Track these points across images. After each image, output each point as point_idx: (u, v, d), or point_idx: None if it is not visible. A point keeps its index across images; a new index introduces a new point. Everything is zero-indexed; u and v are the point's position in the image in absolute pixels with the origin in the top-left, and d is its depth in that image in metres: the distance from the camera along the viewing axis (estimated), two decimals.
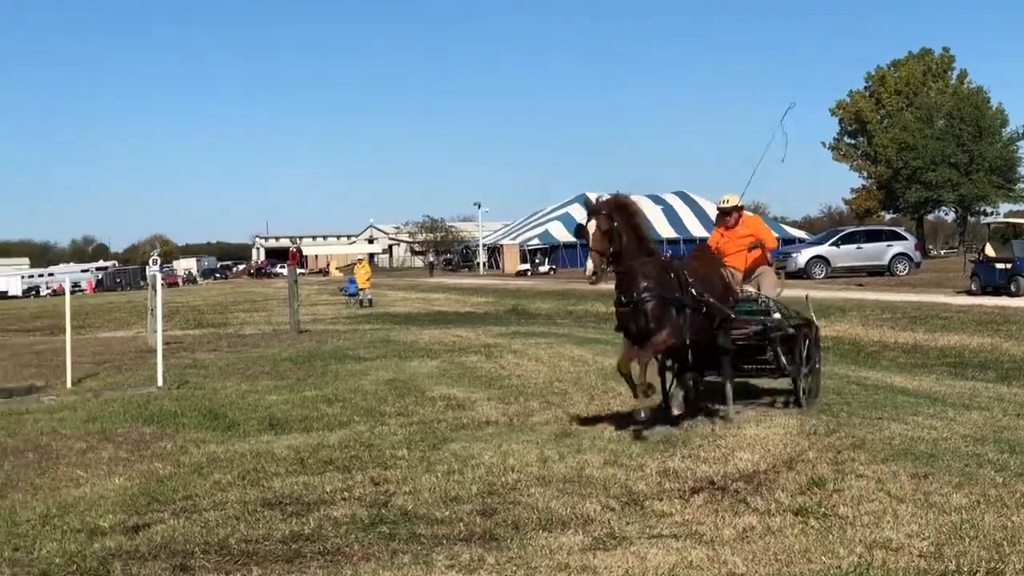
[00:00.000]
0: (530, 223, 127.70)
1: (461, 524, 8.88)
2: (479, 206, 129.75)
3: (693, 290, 12.70)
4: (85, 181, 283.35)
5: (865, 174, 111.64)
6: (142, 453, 12.49)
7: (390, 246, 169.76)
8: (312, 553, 8.17)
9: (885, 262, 55.77)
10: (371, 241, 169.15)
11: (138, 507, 9.80)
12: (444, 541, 8.38)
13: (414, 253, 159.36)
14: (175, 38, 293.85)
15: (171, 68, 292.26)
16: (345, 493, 10.08)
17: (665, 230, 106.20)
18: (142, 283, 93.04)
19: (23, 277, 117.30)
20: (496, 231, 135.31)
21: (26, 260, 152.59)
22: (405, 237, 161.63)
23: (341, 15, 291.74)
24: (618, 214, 12.32)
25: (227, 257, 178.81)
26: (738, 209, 15.02)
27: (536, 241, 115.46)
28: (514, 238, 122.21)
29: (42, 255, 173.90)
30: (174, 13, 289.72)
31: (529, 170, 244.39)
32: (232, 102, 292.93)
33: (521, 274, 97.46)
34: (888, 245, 56.97)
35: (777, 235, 18.65)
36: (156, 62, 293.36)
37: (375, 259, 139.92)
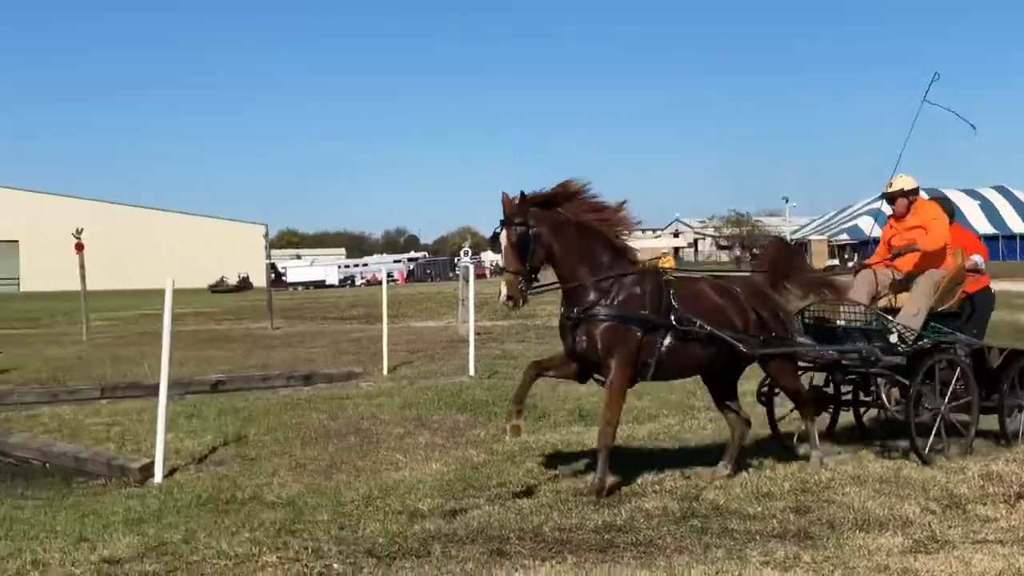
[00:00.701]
0: (839, 219, 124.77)
1: (774, 521, 8.77)
2: (787, 200, 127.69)
3: (674, 316, 10.03)
4: (398, 174, 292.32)
5: None
6: (457, 440, 12.82)
7: (695, 240, 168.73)
8: (625, 544, 8.22)
9: None
10: (676, 235, 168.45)
11: (455, 492, 10.08)
12: (757, 537, 8.30)
13: (719, 248, 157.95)
14: (488, 35, 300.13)
15: (477, 65, 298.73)
16: (656, 486, 10.13)
17: (982, 225, 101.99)
18: (451, 274, 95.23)
19: (340, 267, 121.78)
20: (803, 226, 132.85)
21: (343, 250, 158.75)
22: (711, 231, 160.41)
23: (653, 9, 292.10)
24: (541, 221, 9.69)
25: None
26: (905, 194, 12.01)
27: (845, 236, 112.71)
28: (822, 233, 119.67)
29: (357, 245, 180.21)
30: (505, 11, 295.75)
31: (840, 165, 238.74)
32: (533, 98, 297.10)
33: (828, 269, 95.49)
34: None
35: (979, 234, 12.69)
36: (465, 59, 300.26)
37: (680, 253, 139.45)
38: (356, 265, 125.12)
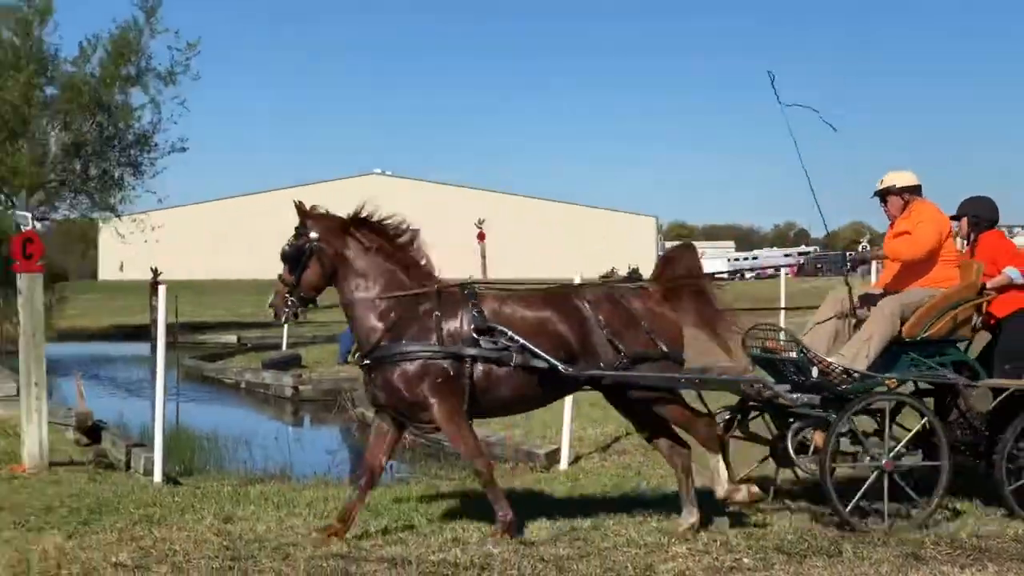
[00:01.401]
0: None
1: None
2: None
3: (475, 327, 8.55)
4: (786, 169, 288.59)
5: None
6: None
7: None
8: None
9: None
10: None
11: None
12: None
13: None
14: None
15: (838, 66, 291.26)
16: None
17: None
18: (844, 269, 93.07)
19: (728, 260, 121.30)
20: None
21: (731, 243, 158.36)
22: None
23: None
24: (324, 235, 8.69)
25: None
26: (899, 191, 9.88)
27: None
28: None
29: (745, 238, 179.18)
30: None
31: None
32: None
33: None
34: None
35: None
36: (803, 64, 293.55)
37: None
38: (745, 258, 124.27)
